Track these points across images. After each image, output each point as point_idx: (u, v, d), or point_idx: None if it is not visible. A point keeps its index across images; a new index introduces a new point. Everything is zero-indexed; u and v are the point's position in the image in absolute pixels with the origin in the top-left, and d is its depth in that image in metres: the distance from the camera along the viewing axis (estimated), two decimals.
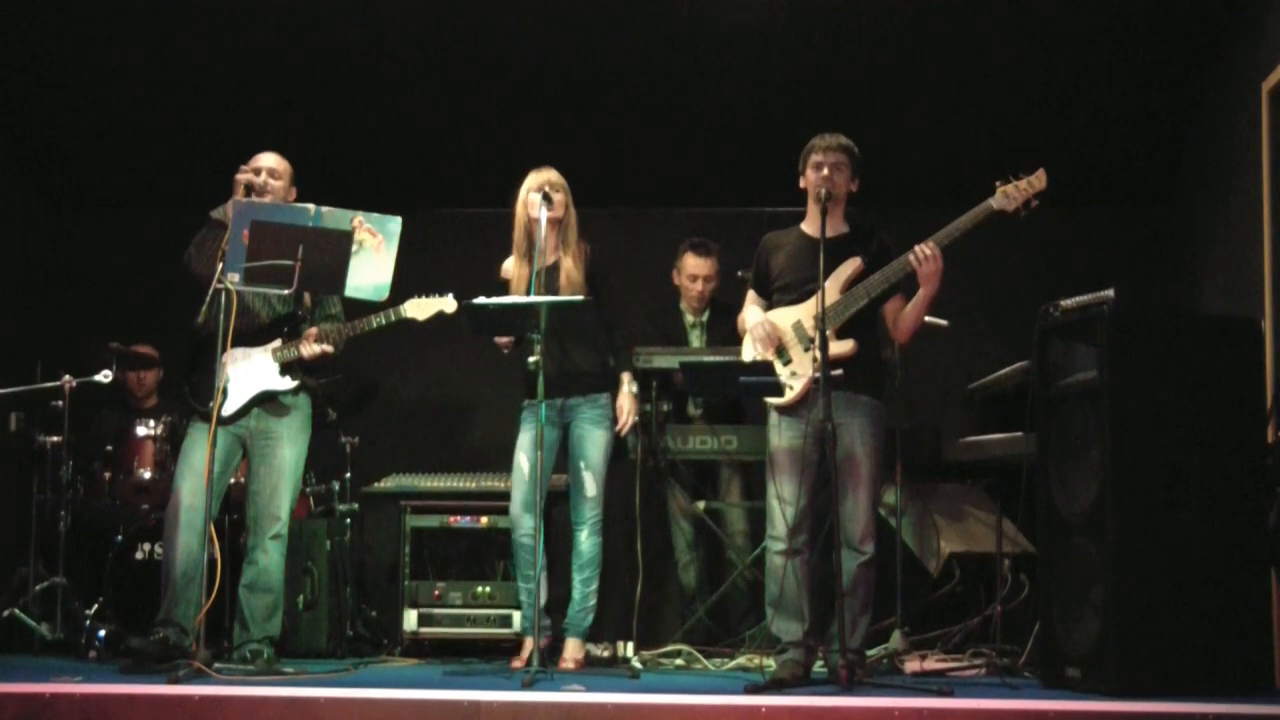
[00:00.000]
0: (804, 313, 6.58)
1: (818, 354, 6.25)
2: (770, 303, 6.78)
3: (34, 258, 9.64)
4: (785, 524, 6.47)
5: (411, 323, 7.15)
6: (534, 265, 7.05)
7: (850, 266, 6.55)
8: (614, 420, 7.35)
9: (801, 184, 6.70)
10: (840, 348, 6.40)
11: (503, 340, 7.26)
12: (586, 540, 7.28)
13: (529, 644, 7.08)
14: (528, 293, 7.04)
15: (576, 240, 7.31)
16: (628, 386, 7.40)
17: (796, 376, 6.54)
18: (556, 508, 7.70)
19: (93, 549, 8.19)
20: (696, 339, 8.42)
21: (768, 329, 6.64)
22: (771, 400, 6.63)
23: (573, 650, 7.27)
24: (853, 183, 6.68)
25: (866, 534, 6.46)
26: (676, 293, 8.55)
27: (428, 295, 7.17)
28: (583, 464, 7.27)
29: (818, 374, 6.24)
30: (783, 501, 6.48)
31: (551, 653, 7.22)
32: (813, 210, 6.70)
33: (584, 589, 7.30)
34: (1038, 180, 6.42)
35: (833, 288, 6.44)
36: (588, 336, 7.16)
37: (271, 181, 7.07)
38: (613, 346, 7.40)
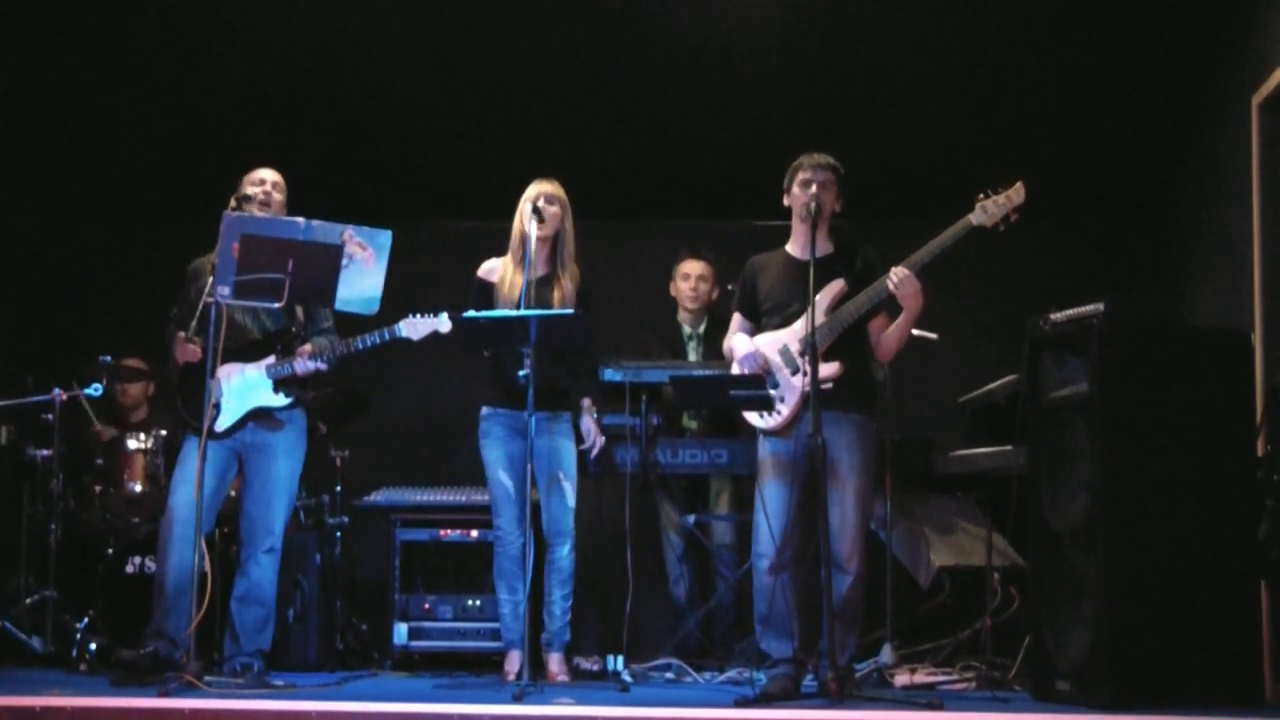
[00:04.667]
0: (790, 336, 6.58)
1: (806, 375, 6.24)
2: (757, 326, 6.78)
3: (25, 271, 9.62)
4: (773, 542, 6.46)
5: (405, 342, 7.15)
6: (525, 277, 7.04)
7: (835, 288, 6.53)
8: (579, 440, 7.38)
9: (786, 202, 6.71)
10: (826, 370, 6.37)
11: None
12: (568, 554, 7.28)
13: (515, 657, 7.09)
14: (519, 303, 7.03)
15: (573, 257, 7.32)
16: (590, 411, 7.45)
17: (784, 402, 6.53)
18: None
19: (83, 562, 8.18)
20: (693, 352, 8.42)
21: (757, 359, 6.63)
22: (759, 424, 6.63)
23: (558, 664, 7.26)
24: (837, 202, 6.67)
25: (852, 553, 6.44)
26: (673, 306, 8.55)
27: (422, 314, 7.16)
28: (561, 474, 7.26)
29: (807, 389, 6.23)
30: (770, 520, 6.47)
31: (540, 666, 7.21)
32: (798, 229, 6.71)
33: (564, 603, 7.29)
34: (1015, 194, 6.37)
35: (817, 311, 6.40)
36: (573, 351, 7.17)
37: (275, 195, 7.12)
38: (582, 368, 7.42)
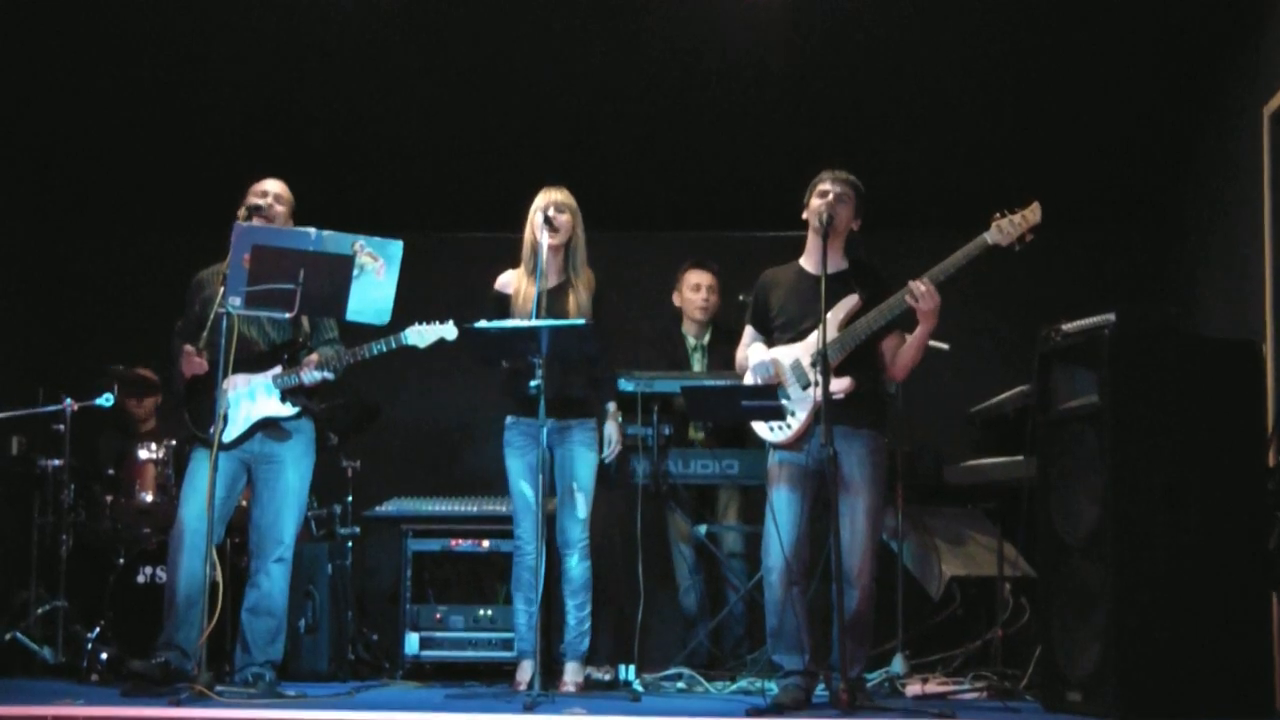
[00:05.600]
0: (802, 351, 6.56)
1: (817, 392, 6.24)
2: (770, 340, 6.78)
3: (35, 281, 9.65)
4: (784, 556, 6.45)
5: (412, 350, 7.15)
6: (538, 287, 7.05)
7: (849, 304, 6.52)
8: (600, 446, 7.36)
9: (804, 215, 6.68)
10: (838, 385, 6.36)
11: None
12: (578, 565, 7.26)
13: (527, 667, 7.08)
14: (532, 314, 7.03)
15: (585, 263, 7.32)
16: (615, 416, 7.43)
17: (794, 415, 6.53)
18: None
19: (94, 572, 8.17)
20: (698, 362, 8.42)
21: (770, 369, 6.63)
22: (770, 438, 6.63)
23: (572, 673, 7.25)
24: (855, 220, 6.66)
25: (863, 567, 6.42)
26: (677, 316, 8.56)
27: (428, 322, 7.18)
28: (575, 485, 7.24)
29: (818, 402, 6.23)
30: (781, 534, 6.46)
31: (551, 676, 7.21)
32: (812, 243, 6.68)
33: (579, 613, 7.27)
34: (1032, 214, 6.32)
35: (831, 325, 6.40)
36: (586, 360, 7.15)
37: (276, 206, 7.10)
38: (601, 374, 7.41)
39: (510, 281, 7.37)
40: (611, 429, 7.44)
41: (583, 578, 7.26)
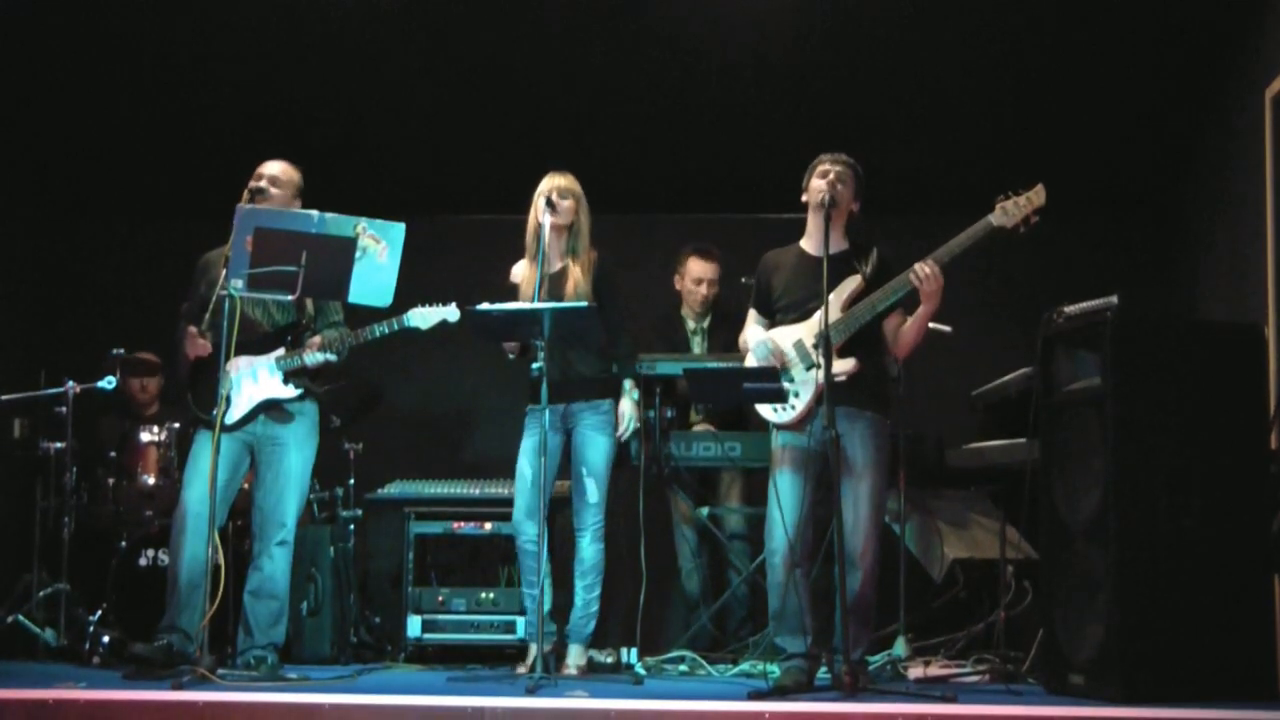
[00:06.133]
0: (805, 331, 6.55)
1: (820, 372, 6.23)
2: (773, 322, 6.76)
3: (38, 265, 9.65)
4: (786, 538, 6.45)
5: (415, 331, 7.15)
6: (539, 271, 7.05)
7: (851, 284, 6.51)
8: (616, 426, 7.34)
9: (804, 198, 6.66)
10: (843, 366, 6.36)
11: (509, 344, 7.23)
12: (589, 546, 7.26)
13: (533, 650, 7.08)
14: (534, 297, 7.02)
15: (587, 247, 7.30)
16: (630, 393, 7.40)
17: (799, 396, 6.52)
18: (561, 514, 7.67)
19: (96, 555, 8.18)
20: (698, 345, 8.42)
21: (771, 349, 6.62)
22: (773, 418, 6.62)
23: (575, 656, 7.25)
24: (854, 202, 6.64)
25: (866, 549, 6.42)
26: (677, 298, 8.55)
27: (431, 304, 7.18)
28: (585, 470, 7.24)
29: (822, 382, 6.22)
30: (784, 516, 6.46)
31: (555, 659, 7.21)
32: (813, 224, 6.66)
33: (586, 595, 7.27)
34: (1036, 196, 6.32)
35: (834, 306, 6.40)
36: (591, 343, 7.13)
37: (272, 189, 7.06)
38: (617, 353, 7.38)
39: (519, 271, 7.37)
40: (626, 406, 7.39)
41: (594, 559, 7.26)
